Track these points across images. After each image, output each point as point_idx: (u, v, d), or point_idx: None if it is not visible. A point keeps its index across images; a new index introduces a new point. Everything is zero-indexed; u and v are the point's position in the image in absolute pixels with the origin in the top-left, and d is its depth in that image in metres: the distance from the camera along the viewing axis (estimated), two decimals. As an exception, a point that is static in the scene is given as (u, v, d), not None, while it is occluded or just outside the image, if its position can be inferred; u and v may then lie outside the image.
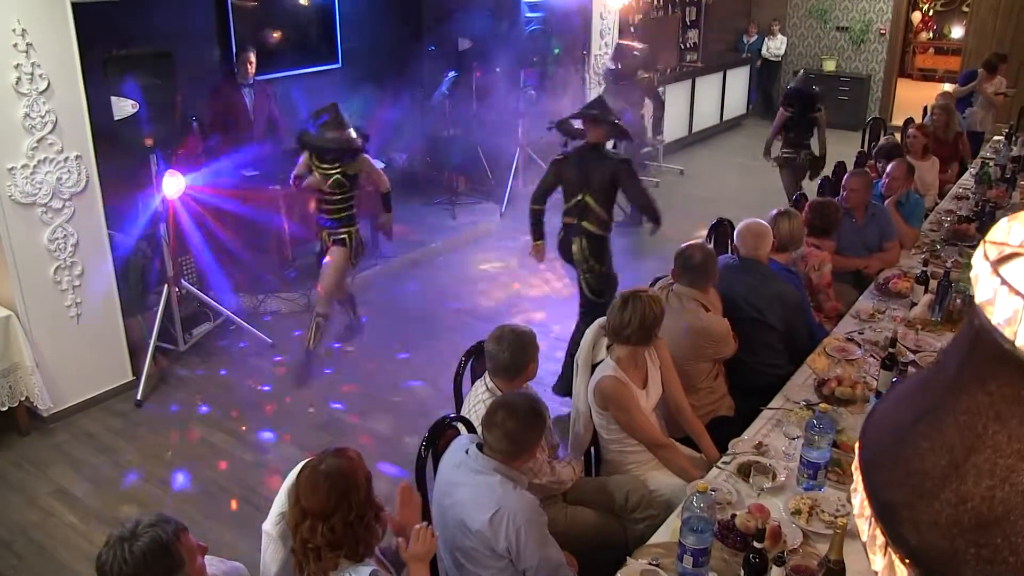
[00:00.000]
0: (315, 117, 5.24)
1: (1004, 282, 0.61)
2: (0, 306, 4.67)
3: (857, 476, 0.75)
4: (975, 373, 0.66)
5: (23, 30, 4.33)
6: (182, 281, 5.60)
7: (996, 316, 0.63)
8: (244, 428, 4.95)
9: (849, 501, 2.79)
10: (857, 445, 0.80)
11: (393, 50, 8.58)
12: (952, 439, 0.65)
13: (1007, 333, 0.61)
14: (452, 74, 8.36)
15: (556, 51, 8.73)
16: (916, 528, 0.64)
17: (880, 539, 0.66)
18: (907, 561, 0.64)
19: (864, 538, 0.71)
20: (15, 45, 4.33)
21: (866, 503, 0.71)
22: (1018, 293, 0.60)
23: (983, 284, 0.64)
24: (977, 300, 0.65)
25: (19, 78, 4.38)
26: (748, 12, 12.81)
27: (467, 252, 7.66)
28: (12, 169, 4.45)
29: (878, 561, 0.67)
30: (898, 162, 5.49)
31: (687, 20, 11.45)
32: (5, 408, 4.66)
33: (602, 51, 9.01)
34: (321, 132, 5.19)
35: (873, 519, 0.68)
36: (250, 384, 5.43)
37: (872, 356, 3.89)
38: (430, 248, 7.49)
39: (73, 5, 4.53)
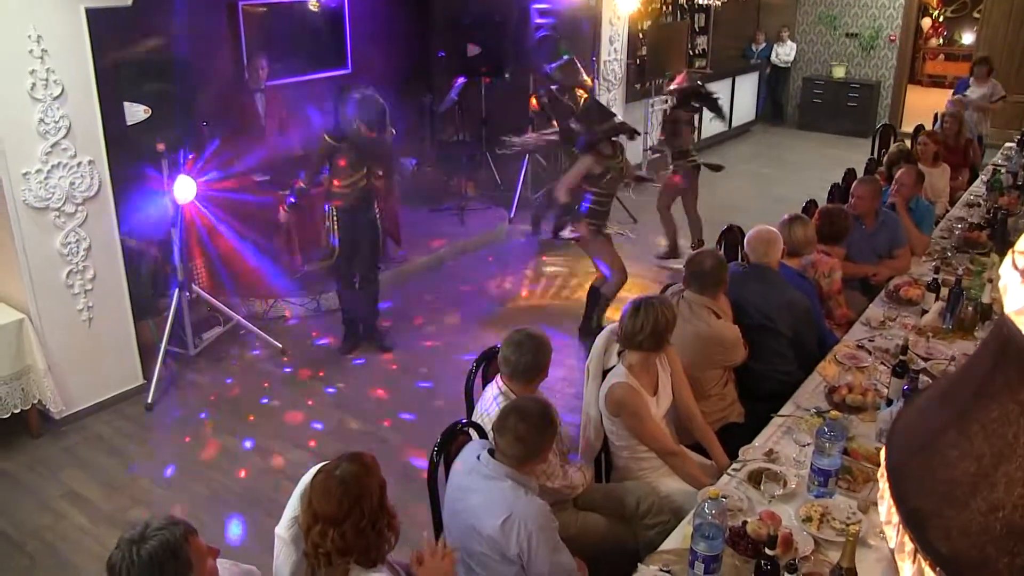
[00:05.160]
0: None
1: (1035, 293, 0.62)
2: (13, 309, 4.71)
3: (884, 483, 0.75)
4: (1005, 382, 0.66)
5: (38, 36, 4.37)
6: (193, 285, 5.62)
7: (1028, 325, 0.63)
8: (253, 432, 4.96)
9: (860, 509, 2.80)
10: (883, 453, 0.81)
11: (403, 56, 8.61)
12: (981, 448, 0.65)
13: (1040, 344, 0.62)
14: (461, 80, 8.38)
15: (564, 54, 8.74)
16: (946, 536, 0.64)
17: (909, 546, 0.67)
18: (937, 569, 0.64)
19: (892, 544, 0.71)
20: (31, 51, 4.37)
21: (894, 510, 0.71)
22: (1053, 305, 0.60)
23: (1014, 293, 0.64)
24: (1007, 310, 0.65)
25: (34, 84, 4.41)
26: (757, 19, 12.82)
27: (476, 257, 7.67)
28: (26, 174, 4.48)
29: (907, 568, 0.67)
30: (907, 168, 5.49)
31: (696, 26, 11.45)
32: (18, 411, 4.68)
33: (611, 57, 9.03)
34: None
35: (901, 526, 0.69)
36: (260, 388, 5.45)
37: (883, 363, 3.88)
38: (439, 253, 7.50)
39: (87, 11, 4.56)
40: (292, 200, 5.67)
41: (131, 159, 5.23)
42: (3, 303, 4.79)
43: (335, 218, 5.59)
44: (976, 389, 0.69)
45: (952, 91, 9.33)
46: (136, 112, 4.90)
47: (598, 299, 5.99)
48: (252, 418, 5.11)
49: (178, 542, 2.13)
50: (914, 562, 0.66)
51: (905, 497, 0.69)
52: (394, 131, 5.65)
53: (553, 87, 7.79)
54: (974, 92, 8.71)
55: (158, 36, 5.97)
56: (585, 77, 7.70)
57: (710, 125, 11.68)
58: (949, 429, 0.69)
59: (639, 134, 6.33)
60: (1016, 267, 0.65)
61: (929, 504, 0.67)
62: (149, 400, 5.16)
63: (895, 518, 0.70)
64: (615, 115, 6.08)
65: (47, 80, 4.46)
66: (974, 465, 0.65)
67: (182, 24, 6.35)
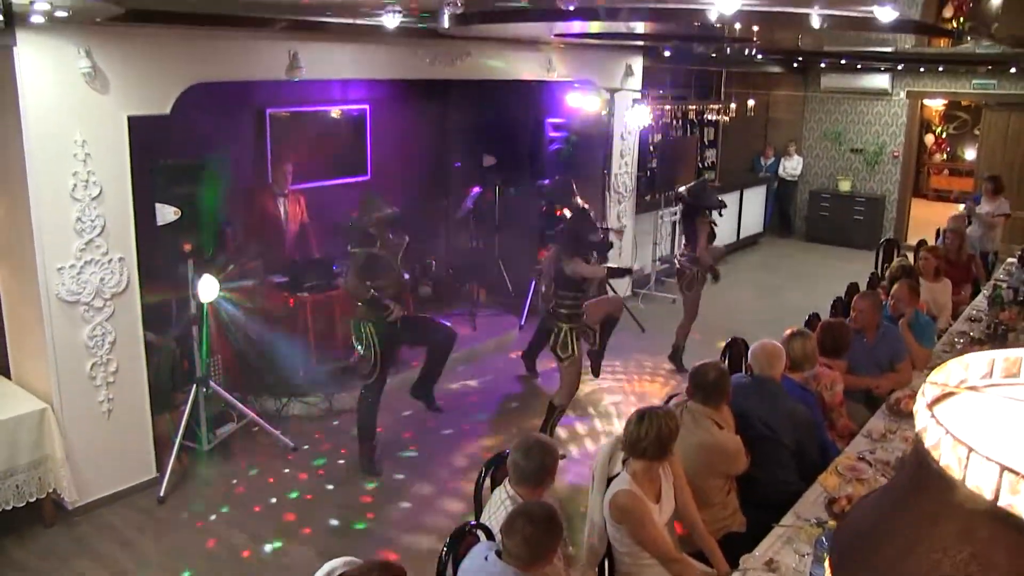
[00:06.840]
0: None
1: (932, 416, 0.78)
2: (37, 399, 4.84)
3: (827, 568, 0.88)
4: (917, 485, 0.81)
5: (83, 141, 4.68)
6: (210, 382, 5.75)
7: (928, 442, 0.78)
8: (262, 529, 5.00)
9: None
10: (828, 548, 0.94)
11: (421, 165, 8.96)
12: (904, 534, 0.80)
13: (935, 456, 0.77)
14: (477, 190, 8.70)
15: (572, 139, 9.09)
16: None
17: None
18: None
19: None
20: (75, 155, 4.67)
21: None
22: (941, 425, 0.76)
23: (920, 417, 0.81)
24: (916, 429, 0.81)
25: (75, 185, 4.69)
26: (765, 134, 13.29)
27: (486, 362, 7.80)
28: (61, 269, 4.71)
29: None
30: (900, 283, 5.64)
31: (705, 140, 11.88)
32: (33, 499, 4.75)
33: (622, 170, 9.36)
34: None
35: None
36: (270, 485, 5.51)
37: (883, 475, 3.94)
38: (450, 358, 7.61)
39: (129, 119, 4.87)
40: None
41: (158, 257, 5.44)
42: (28, 392, 4.94)
43: (373, 334, 5.59)
44: (904, 487, 0.84)
45: (961, 203, 9.60)
46: (167, 213, 5.13)
47: (554, 412, 6.08)
48: (261, 514, 5.16)
49: None
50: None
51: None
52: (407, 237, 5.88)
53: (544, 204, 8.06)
54: (983, 208, 8.96)
55: (190, 140, 6.27)
56: (577, 199, 7.48)
57: (720, 234, 11.94)
58: (882, 520, 0.84)
59: (609, 246, 6.52)
60: (923, 395, 0.81)
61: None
62: (161, 493, 5.23)
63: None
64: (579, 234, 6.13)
65: (87, 181, 4.74)
66: (896, 549, 0.79)
67: (213, 129, 6.68)
